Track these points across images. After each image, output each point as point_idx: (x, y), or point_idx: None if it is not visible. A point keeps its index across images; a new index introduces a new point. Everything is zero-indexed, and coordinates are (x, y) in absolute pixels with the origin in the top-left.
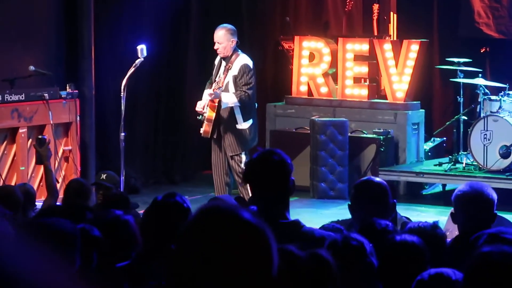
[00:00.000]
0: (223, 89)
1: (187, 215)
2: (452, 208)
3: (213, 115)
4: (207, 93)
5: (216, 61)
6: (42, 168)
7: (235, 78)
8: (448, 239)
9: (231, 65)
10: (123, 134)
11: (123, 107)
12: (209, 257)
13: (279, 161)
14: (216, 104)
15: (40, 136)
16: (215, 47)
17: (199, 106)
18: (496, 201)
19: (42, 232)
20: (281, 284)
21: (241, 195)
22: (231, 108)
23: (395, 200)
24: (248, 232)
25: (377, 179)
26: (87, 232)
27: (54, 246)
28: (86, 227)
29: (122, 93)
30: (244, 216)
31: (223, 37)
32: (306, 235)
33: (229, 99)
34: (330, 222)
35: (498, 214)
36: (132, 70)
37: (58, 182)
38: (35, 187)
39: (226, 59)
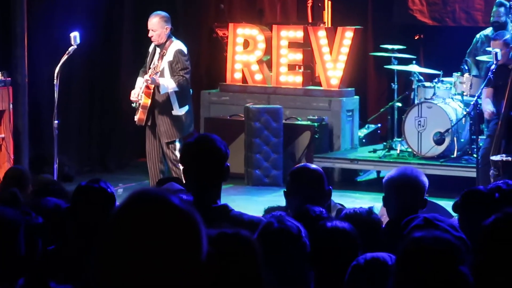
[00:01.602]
0: (159, 75)
1: (111, 200)
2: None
3: (149, 102)
4: (140, 81)
5: (150, 49)
6: None
7: (170, 64)
8: (383, 225)
9: (165, 51)
10: (56, 122)
11: (56, 95)
12: (137, 242)
13: (214, 146)
14: (152, 90)
15: None
16: (149, 35)
17: (133, 96)
18: (427, 187)
19: None
20: (210, 269)
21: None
22: (167, 94)
23: (330, 187)
24: (176, 217)
25: (313, 165)
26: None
27: None
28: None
29: (55, 81)
30: (173, 201)
31: (157, 25)
32: (234, 219)
33: (168, 83)
34: (267, 209)
35: (431, 200)
36: (65, 57)
37: None
38: None
39: (161, 46)
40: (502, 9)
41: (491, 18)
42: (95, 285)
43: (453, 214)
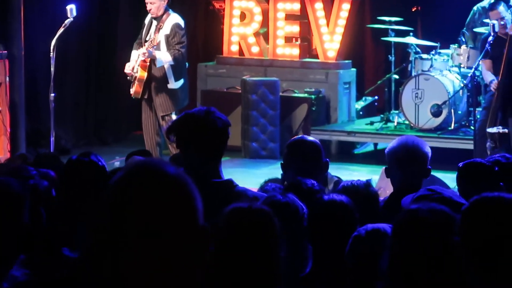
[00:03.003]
0: (156, 48)
1: (102, 173)
2: (384, 167)
3: (145, 75)
4: (135, 54)
5: (146, 21)
6: None
7: (167, 37)
8: (381, 197)
9: (162, 25)
10: (52, 94)
11: (52, 68)
12: (133, 210)
13: (220, 118)
14: (148, 63)
15: None
16: (148, 8)
17: (127, 68)
18: (430, 156)
19: None
20: (208, 233)
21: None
22: (163, 68)
23: (328, 159)
24: (171, 185)
25: (310, 138)
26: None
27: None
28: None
29: (51, 54)
30: (168, 170)
31: None
32: (239, 194)
33: (164, 57)
34: (266, 181)
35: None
36: (61, 30)
37: None
38: None
39: (157, 18)
40: None
41: None
42: (90, 255)
43: (450, 186)
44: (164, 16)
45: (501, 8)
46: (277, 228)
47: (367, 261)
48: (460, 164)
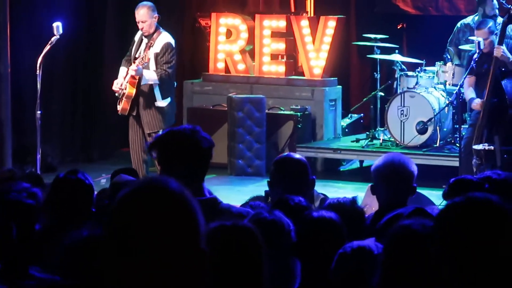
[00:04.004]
0: (145, 66)
1: (90, 192)
2: (369, 184)
3: (133, 91)
4: (123, 70)
5: (136, 38)
6: None
7: (156, 56)
8: (366, 214)
9: (152, 42)
10: (39, 112)
11: (39, 85)
12: (136, 229)
13: (203, 137)
14: (137, 80)
15: None
16: (140, 27)
17: (115, 86)
18: (416, 174)
19: None
20: (207, 257)
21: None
22: (151, 85)
23: (314, 177)
24: (174, 203)
25: (297, 155)
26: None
27: None
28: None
29: (38, 71)
30: (174, 189)
31: (146, 15)
32: (223, 212)
33: (150, 76)
34: (250, 199)
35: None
36: (48, 47)
37: None
38: None
39: (148, 36)
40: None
41: (495, 10)
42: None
43: (436, 203)
44: (155, 35)
45: (491, 25)
46: (261, 246)
47: (353, 278)
48: (451, 180)
